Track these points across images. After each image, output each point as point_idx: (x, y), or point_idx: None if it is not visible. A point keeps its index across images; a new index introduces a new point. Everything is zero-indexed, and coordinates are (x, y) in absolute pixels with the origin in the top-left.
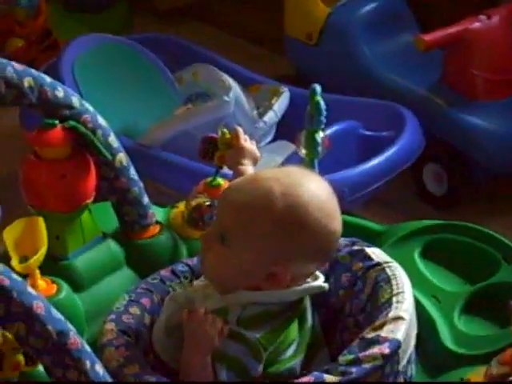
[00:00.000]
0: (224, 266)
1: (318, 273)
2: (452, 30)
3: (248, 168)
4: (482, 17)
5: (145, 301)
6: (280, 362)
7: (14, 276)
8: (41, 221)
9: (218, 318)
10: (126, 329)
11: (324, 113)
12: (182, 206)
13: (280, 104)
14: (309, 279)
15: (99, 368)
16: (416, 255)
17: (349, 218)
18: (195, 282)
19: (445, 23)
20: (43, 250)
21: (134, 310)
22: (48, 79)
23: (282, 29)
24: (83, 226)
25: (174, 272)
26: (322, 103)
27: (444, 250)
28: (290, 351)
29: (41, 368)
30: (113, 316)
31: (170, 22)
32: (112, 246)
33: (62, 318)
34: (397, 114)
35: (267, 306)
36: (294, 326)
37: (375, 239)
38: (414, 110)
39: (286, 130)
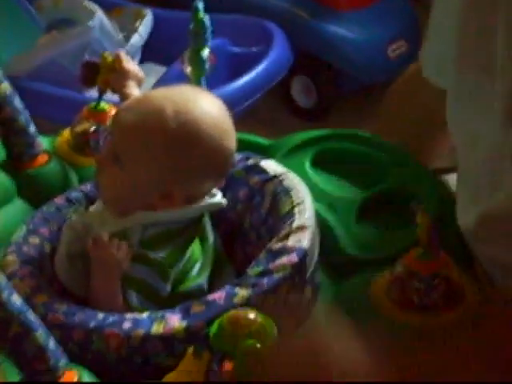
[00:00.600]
0: (118, 187)
1: (215, 190)
2: None
3: (134, 90)
4: None
5: (43, 230)
6: (187, 279)
7: None
8: None
9: (123, 242)
10: (28, 259)
11: (209, 29)
12: (66, 133)
13: (144, 26)
14: (207, 197)
15: (16, 298)
16: (307, 166)
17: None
18: (91, 208)
19: None
20: None
21: (34, 239)
22: None
23: None
24: None
25: (68, 199)
26: (207, 20)
27: (334, 158)
28: (196, 269)
29: None
30: (13, 247)
31: None
32: (2, 177)
33: None
34: (264, 29)
35: (167, 225)
36: (197, 245)
37: (264, 153)
38: (279, 24)
39: (150, 52)
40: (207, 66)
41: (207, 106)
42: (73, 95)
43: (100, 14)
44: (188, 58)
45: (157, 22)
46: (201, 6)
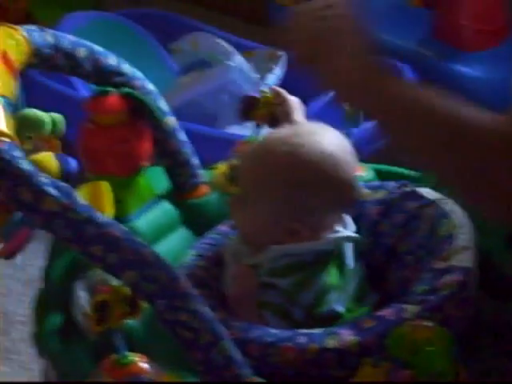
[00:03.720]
0: (248, 226)
1: (349, 221)
2: None
3: (301, 118)
4: None
5: (210, 254)
6: (323, 304)
7: (123, 227)
8: (107, 185)
9: (253, 271)
10: (198, 281)
11: None
12: (221, 167)
13: (280, 67)
14: (339, 228)
15: (207, 309)
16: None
17: (384, 167)
18: None
19: None
20: (111, 214)
21: (202, 263)
22: (99, 48)
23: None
24: (141, 189)
25: (232, 226)
26: None
27: None
28: (332, 294)
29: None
30: (183, 271)
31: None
32: (167, 206)
33: (170, 263)
34: (395, 69)
35: (298, 256)
36: (332, 272)
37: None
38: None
39: None
40: None
41: (331, 145)
42: (218, 133)
43: (237, 54)
44: None
45: (290, 63)
46: None
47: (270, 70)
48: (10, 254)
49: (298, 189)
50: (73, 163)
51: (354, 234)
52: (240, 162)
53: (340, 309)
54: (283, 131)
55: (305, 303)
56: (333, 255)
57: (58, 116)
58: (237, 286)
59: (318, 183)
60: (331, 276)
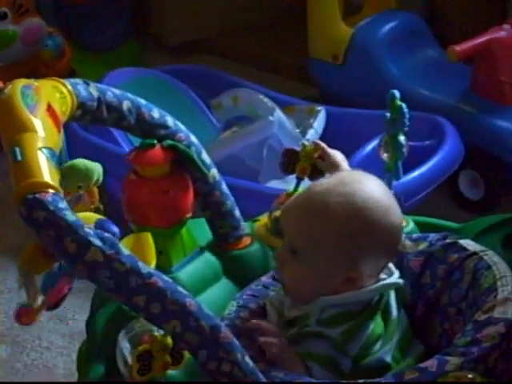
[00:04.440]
0: (302, 281)
1: (393, 268)
2: (479, 40)
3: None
4: (506, 26)
5: (253, 306)
6: (370, 354)
7: (166, 277)
8: (149, 236)
9: (277, 330)
10: (241, 332)
11: (407, 115)
12: (263, 219)
13: (319, 122)
14: (384, 275)
15: (248, 360)
16: (498, 247)
17: (424, 219)
18: None
19: (460, 37)
20: (153, 265)
21: (245, 314)
22: (143, 101)
23: (294, 55)
24: (183, 240)
25: (274, 278)
26: (404, 106)
27: None
28: (379, 344)
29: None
30: (226, 322)
31: (178, 57)
32: (210, 258)
33: (212, 313)
34: (435, 123)
35: (345, 306)
36: (378, 321)
37: None
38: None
39: None
40: (404, 150)
41: (369, 191)
42: (260, 187)
43: (278, 110)
44: (385, 143)
45: (328, 118)
46: (397, 94)
47: (309, 125)
48: (52, 305)
49: (354, 238)
50: (115, 229)
51: (400, 280)
52: (285, 216)
53: (388, 359)
54: (326, 181)
55: (353, 353)
56: (379, 304)
57: (98, 165)
58: (268, 348)
59: (373, 230)
60: (378, 325)
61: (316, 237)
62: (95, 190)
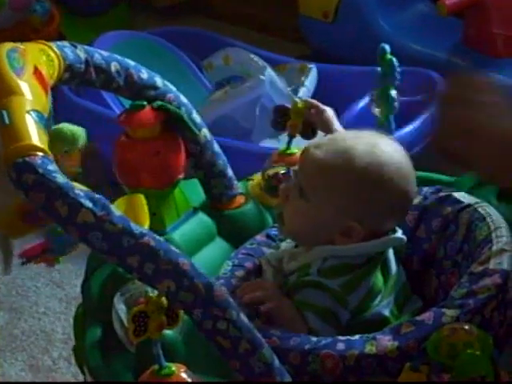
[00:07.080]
0: (302, 219)
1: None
2: None
3: (338, 126)
4: None
5: (248, 264)
6: (368, 308)
7: (158, 237)
8: (142, 198)
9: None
10: (236, 291)
11: (396, 69)
12: (256, 178)
13: (311, 80)
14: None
15: (244, 317)
16: (493, 200)
17: (417, 173)
18: (283, 244)
19: None
20: (146, 226)
21: (240, 273)
22: (132, 62)
23: (282, 15)
24: (176, 201)
25: (268, 236)
26: (394, 60)
27: None
28: (378, 299)
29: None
30: (222, 281)
31: (169, 19)
32: (204, 218)
33: (204, 272)
34: (427, 78)
35: (346, 258)
36: (378, 276)
37: None
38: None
39: None
40: (395, 104)
41: (391, 151)
42: (252, 147)
43: (269, 69)
44: (376, 98)
45: (320, 75)
46: (387, 48)
47: (301, 83)
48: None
49: (366, 190)
50: None
51: (403, 236)
52: (304, 153)
53: (387, 313)
54: (354, 131)
55: (352, 306)
56: (379, 259)
57: (82, 129)
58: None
59: (387, 188)
60: (378, 280)
61: (328, 177)
62: (76, 153)
